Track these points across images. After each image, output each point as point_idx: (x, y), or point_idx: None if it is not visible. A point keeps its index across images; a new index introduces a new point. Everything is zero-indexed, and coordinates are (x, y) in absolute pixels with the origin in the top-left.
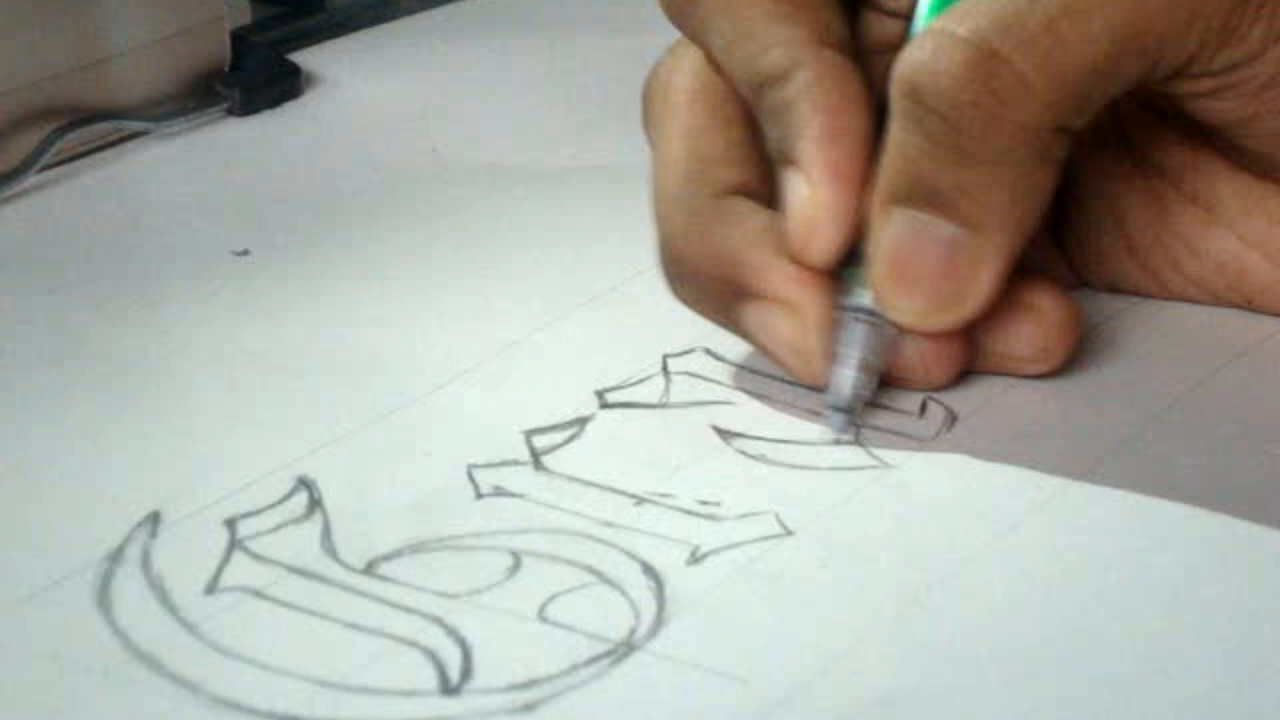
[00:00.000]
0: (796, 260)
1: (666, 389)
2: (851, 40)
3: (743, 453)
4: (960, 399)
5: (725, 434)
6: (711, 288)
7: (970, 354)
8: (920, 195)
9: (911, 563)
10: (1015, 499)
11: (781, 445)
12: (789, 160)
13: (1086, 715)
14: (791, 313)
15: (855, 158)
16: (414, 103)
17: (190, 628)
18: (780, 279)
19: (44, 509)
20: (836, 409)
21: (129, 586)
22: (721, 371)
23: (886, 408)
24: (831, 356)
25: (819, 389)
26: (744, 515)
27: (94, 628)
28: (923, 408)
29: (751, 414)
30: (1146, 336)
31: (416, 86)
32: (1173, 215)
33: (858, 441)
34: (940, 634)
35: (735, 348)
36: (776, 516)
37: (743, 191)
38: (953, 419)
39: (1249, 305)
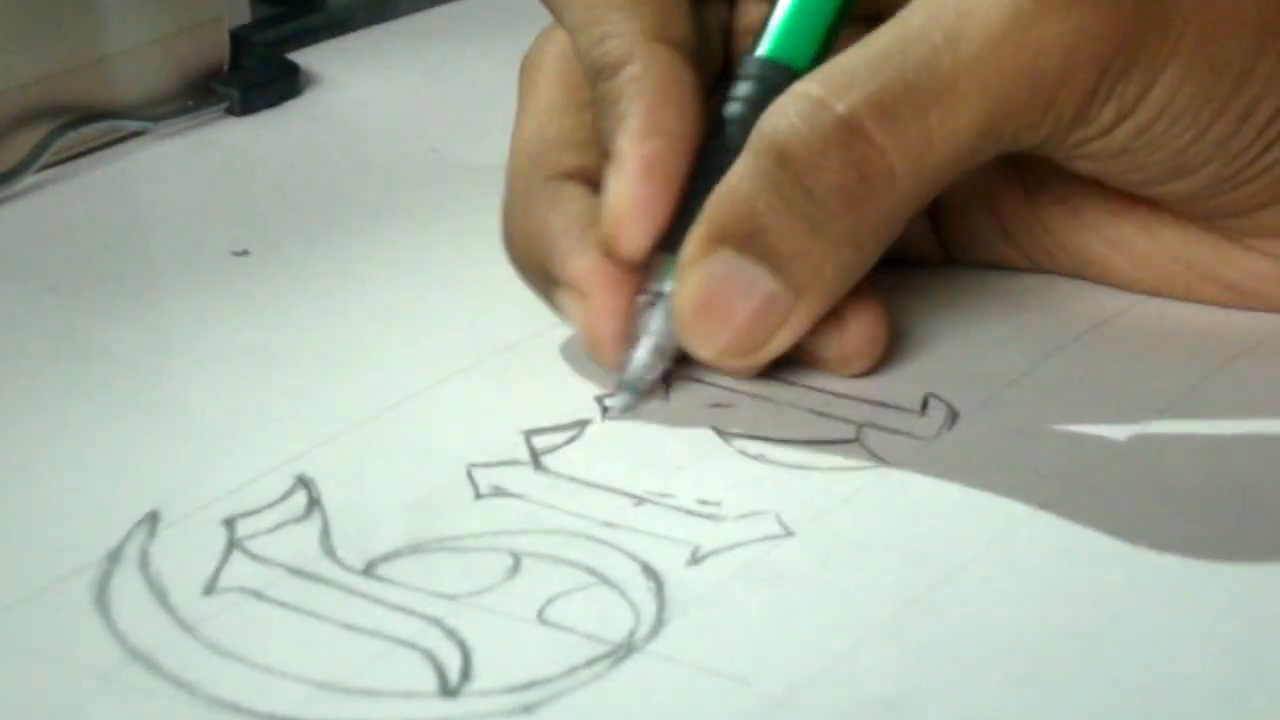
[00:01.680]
0: (607, 251)
1: (667, 392)
2: (694, 35)
3: (743, 453)
4: (962, 397)
5: (725, 434)
6: (532, 268)
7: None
8: (754, 247)
9: (912, 564)
10: (1016, 500)
11: (782, 445)
12: (608, 153)
13: (1086, 715)
14: (586, 301)
15: (671, 155)
16: (414, 102)
17: (189, 628)
18: (579, 268)
19: (42, 508)
20: (620, 387)
21: (128, 587)
22: (722, 375)
23: (887, 405)
24: (623, 343)
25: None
26: (744, 515)
27: (92, 628)
28: (924, 405)
29: (752, 415)
30: (1146, 336)
31: (416, 86)
32: (1042, 211)
33: (858, 440)
34: (941, 634)
35: None
36: (777, 517)
37: (580, 176)
38: (954, 417)
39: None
